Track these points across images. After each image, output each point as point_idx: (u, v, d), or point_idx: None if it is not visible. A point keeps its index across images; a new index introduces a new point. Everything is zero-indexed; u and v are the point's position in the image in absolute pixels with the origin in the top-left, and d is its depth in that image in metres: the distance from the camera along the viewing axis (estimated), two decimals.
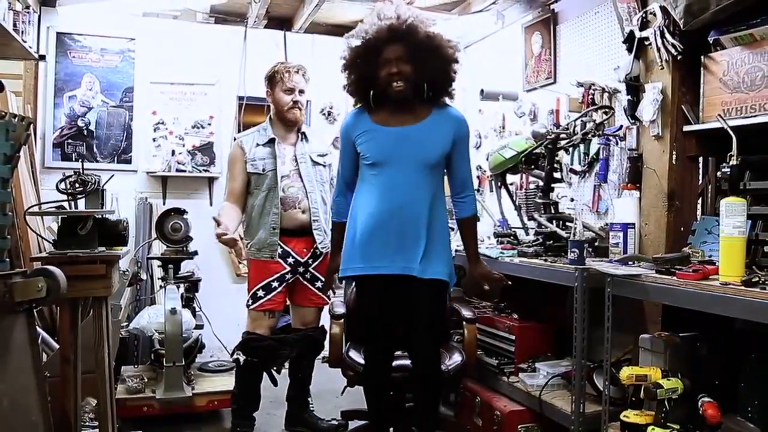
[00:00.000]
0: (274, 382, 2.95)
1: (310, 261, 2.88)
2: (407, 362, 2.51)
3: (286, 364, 3.04)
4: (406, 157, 2.27)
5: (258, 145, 2.87)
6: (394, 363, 2.47)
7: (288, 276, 2.84)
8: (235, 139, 3.00)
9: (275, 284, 2.81)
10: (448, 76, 2.32)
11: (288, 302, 2.97)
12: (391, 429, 2.53)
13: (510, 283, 2.41)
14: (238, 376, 2.86)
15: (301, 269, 2.87)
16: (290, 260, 2.83)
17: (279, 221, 2.81)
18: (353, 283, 3.07)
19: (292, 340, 2.92)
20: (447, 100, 2.39)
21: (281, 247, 2.82)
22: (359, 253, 2.32)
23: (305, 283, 2.90)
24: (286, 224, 2.82)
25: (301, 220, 2.85)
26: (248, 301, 2.85)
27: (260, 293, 2.81)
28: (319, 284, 2.91)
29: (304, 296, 2.93)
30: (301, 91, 2.89)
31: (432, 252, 2.27)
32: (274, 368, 2.95)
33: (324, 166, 3.00)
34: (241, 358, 2.78)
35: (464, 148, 2.38)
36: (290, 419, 3.06)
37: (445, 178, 2.42)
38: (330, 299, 2.87)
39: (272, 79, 2.89)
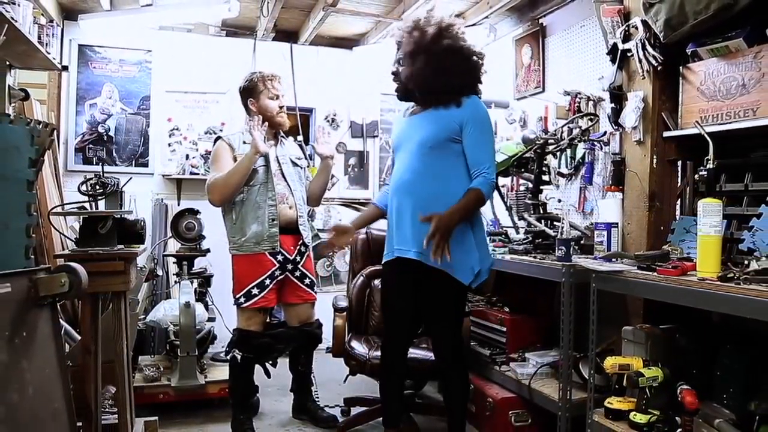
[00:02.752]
0: (268, 374, 2.93)
1: (297, 258, 2.82)
2: (414, 352, 2.51)
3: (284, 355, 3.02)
4: (411, 140, 2.25)
5: (245, 143, 2.75)
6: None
7: (278, 273, 2.74)
8: (219, 138, 2.82)
9: (267, 281, 2.71)
10: (443, 83, 2.20)
11: (279, 301, 2.90)
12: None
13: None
14: (234, 371, 2.77)
15: (290, 266, 2.78)
16: (279, 257, 2.74)
17: (277, 213, 2.72)
18: (356, 277, 3.09)
19: (287, 336, 2.88)
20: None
21: None
22: (387, 240, 2.32)
23: (294, 280, 2.82)
24: None
25: (290, 215, 2.78)
26: (240, 299, 2.72)
27: (254, 291, 2.70)
28: (307, 281, 2.87)
29: (295, 294, 2.84)
30: (283, 96, 2.85)
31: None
32: (269, 362, 2.92)
33: (302, 168, 2.96)
34: (238, 355, 2.71)
35: (475, 130, 2.15)
36: (296, 408, 3.06)
37: None
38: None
39: (254, 90, 2.79)
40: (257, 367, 2.87)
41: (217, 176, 2.69)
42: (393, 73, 2.33)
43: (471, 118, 2.16)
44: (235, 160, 2.72)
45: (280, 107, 2.82)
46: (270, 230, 2.71)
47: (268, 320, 2.92)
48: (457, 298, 2.24)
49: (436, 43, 2.17)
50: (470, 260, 2.15)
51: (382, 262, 2.34)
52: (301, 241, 2.83)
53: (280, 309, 3.18)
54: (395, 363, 2.41)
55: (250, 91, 2.81)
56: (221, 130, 4.21)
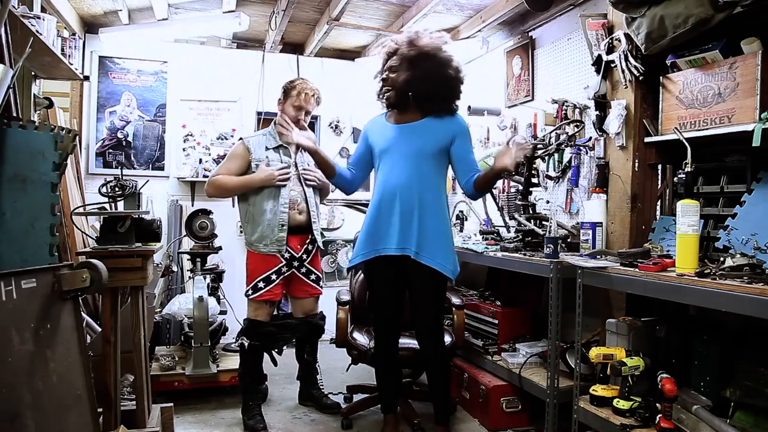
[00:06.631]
0: (275, 362, 2.93)
1: (304, 256, 2.81)
2: (409, 342, 2.51)
3: (290, 345, 3.02)
4: (405, 146, 2.29)
5: (267, 148, 2.77)
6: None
7: (284, 269, 2.74)
8: (240, 139, 2.84)
9: (273, 276, 2.71)
10: (442, 90, 2.30)
11: (287, 294, 2.92)
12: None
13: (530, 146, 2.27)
14: (243, 358, 2.78)
15: (296, 263, 2.78)
16: (286, 255, 2.75)
17: (287, 220, 2.72)
18: (359, 272, 3.08)
19: (292, 326, 2.89)
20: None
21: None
22: (365, 240, 2.31)
23: (301, 276, 2.82)
24: None
25: (298, 220, 2.77)
26: (248, 291, 2.74)
27: (261, 285, 2.71)
28: (313, 277, 2.87)
29: (301, 288, 2.85)
30: (308, 113, 2.80)
31: (427, 238, 2.23)
32: (275, 350, 2.91)
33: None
34: (245, 342, 2.72)
35: (465, 140, 2.34)
36: (302, 395, 3.06)
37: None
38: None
39: (289, 92, 2.80)
40: (266, 357, 2.86)
41: (221, 176, 2.73)
42: (384, 80, 2.33)
43: (461, 131, 2.34)
44: (248, 164, 2.73)
45: (297, 119, 2.76)
46: (278, 235, 2.71)
47: (275, 312, 2.92)
48: (441, 291, 2.37)
49: (439, 54, 2.27)
50: (453, 260, 2.31)
51: (363, 259, 2.32)
52: (309, 240, 2.82)
53: (287, 302, 3.18)
54: (390, 353, 2.43)
55: (284, 92, 2.83)
56: (232, 136, 4.22)
